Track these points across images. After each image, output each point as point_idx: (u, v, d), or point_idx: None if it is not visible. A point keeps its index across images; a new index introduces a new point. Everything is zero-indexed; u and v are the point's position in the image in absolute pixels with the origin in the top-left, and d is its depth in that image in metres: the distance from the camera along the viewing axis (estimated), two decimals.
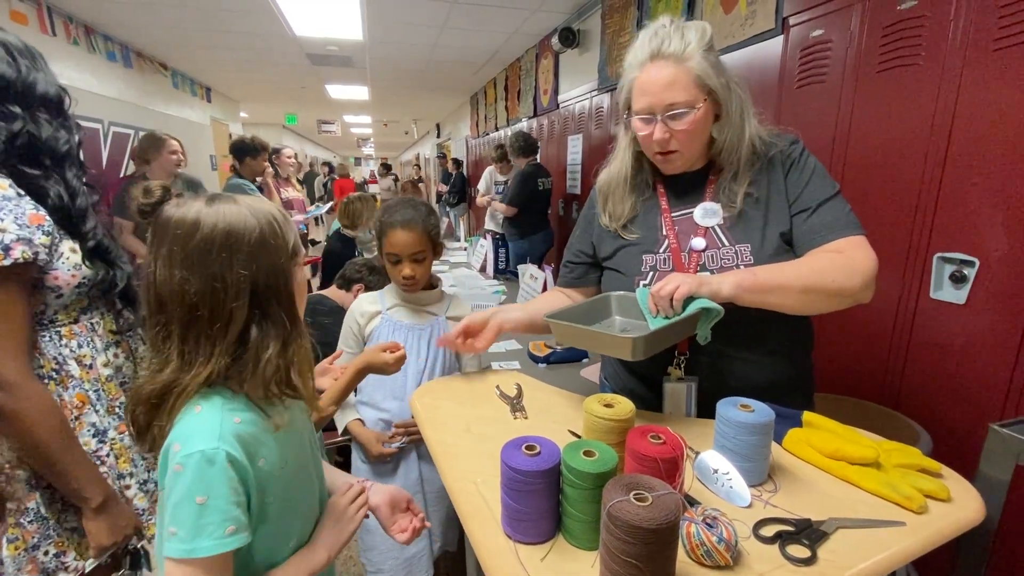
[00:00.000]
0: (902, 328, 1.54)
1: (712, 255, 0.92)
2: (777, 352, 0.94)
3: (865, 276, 0.82)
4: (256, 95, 7.50)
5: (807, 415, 0.83)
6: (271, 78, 6.12)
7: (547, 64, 4.27)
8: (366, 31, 4.11)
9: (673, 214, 0.99)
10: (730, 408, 0.72)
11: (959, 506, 0.67)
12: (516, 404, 0.94)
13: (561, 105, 4.06)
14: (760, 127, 0.97)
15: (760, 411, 0.71)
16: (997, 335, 1.31)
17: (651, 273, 0.96)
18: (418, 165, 9.87)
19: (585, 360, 1.80)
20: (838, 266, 0.82)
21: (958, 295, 1.39)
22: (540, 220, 3.77)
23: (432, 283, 1.33)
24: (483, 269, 3.47)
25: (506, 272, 3.50)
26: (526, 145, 3.70)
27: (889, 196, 1.55)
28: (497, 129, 6.01)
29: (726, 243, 0.92)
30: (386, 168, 10.05)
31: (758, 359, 0.93)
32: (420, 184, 7.51)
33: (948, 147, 1.39)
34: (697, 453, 0.74)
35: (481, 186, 4.30)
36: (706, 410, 0.92)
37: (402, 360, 1.06)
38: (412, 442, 1.25)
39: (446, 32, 4.11)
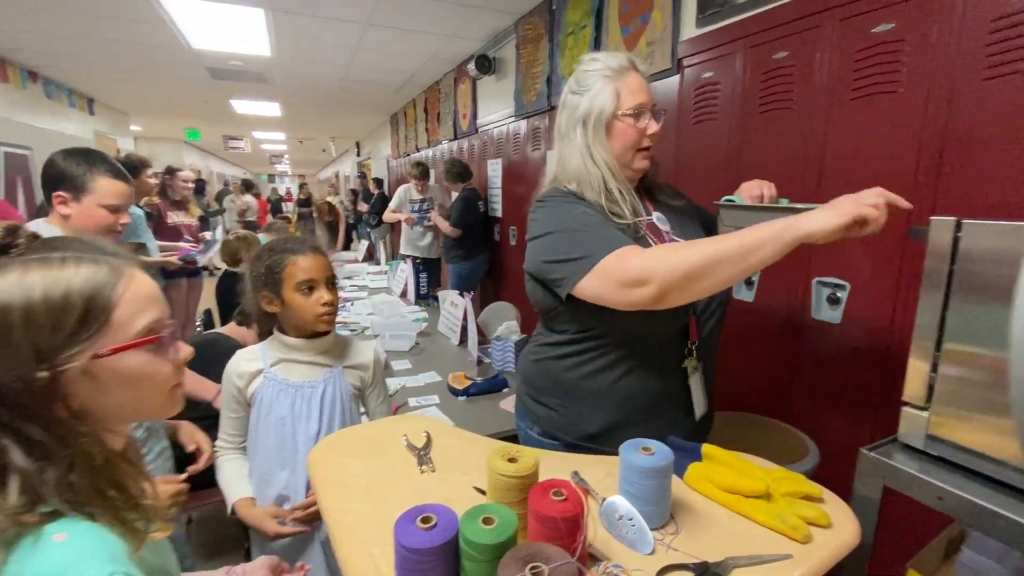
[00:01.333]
0: (789, 347, 1.68)
1: None
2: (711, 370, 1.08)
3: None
4: (150, 108, 6.89)
5: (706, 448, 0.87)
6: (166, 91, 5.66)
7: (465, 89, 4.30)
8: (274, 48, 3.93)
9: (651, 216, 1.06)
10: (632, 452, 0.72)
11: (838, 531, 0.71)
12: (423, 456, 0.89)
13: (480, 129, 4.10)
14: None
15: (660, 453, 0.72)
16: (868, 352, 1.46)
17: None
18: (334, 184, 9.38)
19: (505, 391, 1.79)
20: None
21: (834, 315, 1.53)
22: (481, 242, 3.84)
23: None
24: (404, 295, 3.38)
25: (428, 298, 3.43)
26: (464, 171, 3.79)
27: None
28: (418, 150, 5.95)
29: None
30: (247, 186, 8.61)
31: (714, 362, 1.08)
32: (338, 205, 7.16)
33: (819, 181, 1.55)
34: (604, 499, 0.74)
35: (394, 203, 4.21)
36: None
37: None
38: (310, 519, 1.09)
39: (360, 53, 4.03)
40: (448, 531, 0.56)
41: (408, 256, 3.99)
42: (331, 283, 1.14)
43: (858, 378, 1.49)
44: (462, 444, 0.96)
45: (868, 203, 0.72)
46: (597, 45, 2.52)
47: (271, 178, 22.19)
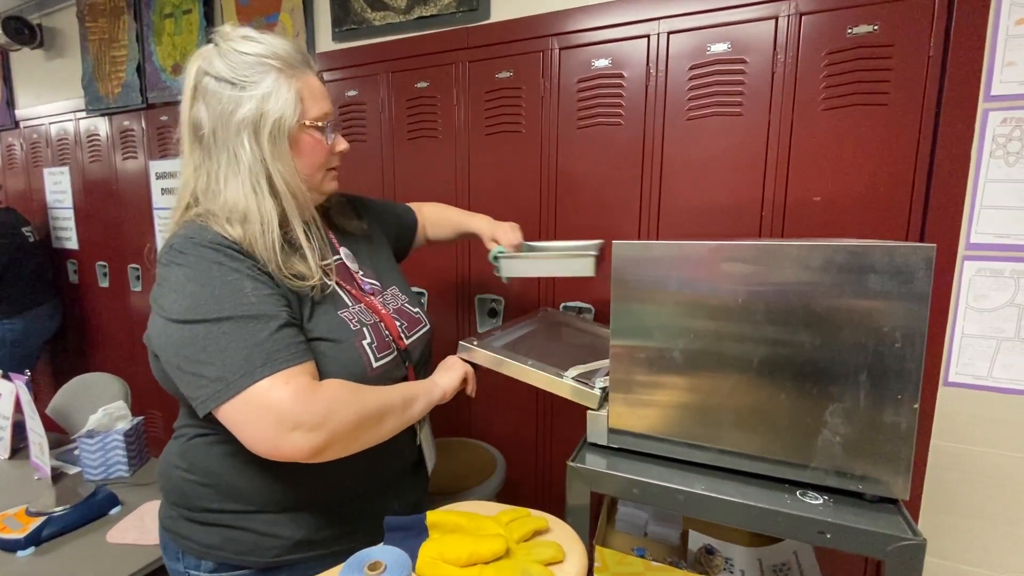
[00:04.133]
0: None
1: (383, 298, 0.89)
2: None
3: None
4: None
5: (430, 517, 0.73)
6: None
7: None
8: None
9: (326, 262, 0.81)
10: (354, 573, 0.51)
11: (572, 559, 0.70)
12: None
13: (22, 123, 2.82)
14: None
15: (392, 566, 0.54)
16: None
17: (364, 328, 0.79)
18: None
19: (114, 511, 1.17)
20: None
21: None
22: (38, 287, 2.52)
23: None
24: None
25: None
26: None
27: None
28: None
29: (379, 286, 0.90)
30: None
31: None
32: None
33: (469, 206, 1.66)
34: None
35: None
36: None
37: None
38: None
39: None
40: None
41: None
42: None
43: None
44: None
45: (465, 368, 0.91)
46: (210, 22, 2.07)
47: None
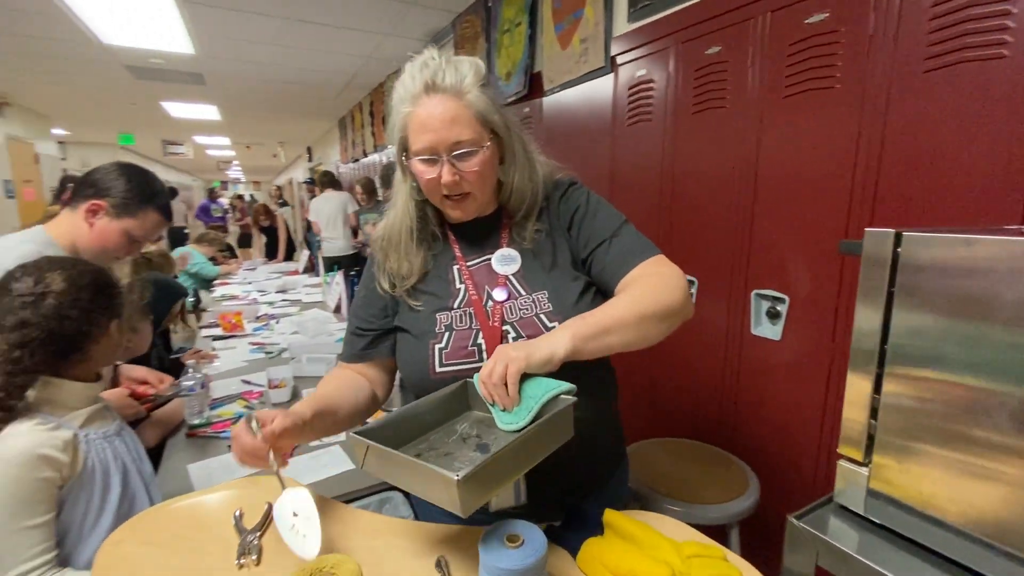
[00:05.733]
0: (731, 365, 1.55)
1: (511, 306, 0.80)
2: (591, 403, 0.81)
3: (682, 288, 0.76)
4: (72, 110, 6.38)
5: (607, 516, 0.70)
6: (86, 91, 5.22)
7: None
8: (197, 45, 3.63)
9: (468, 264, 0.85)
10: (492, 542, 0.54)
11: None
12: (250, 542, 0.69)
13: None
14: (550, 168, 0.89)
15: (529, 544, 0.54)
16: (808, 370, 1.33)
17: (447, 334, 0.79)
18: (279, 188, 8.84)
19: None
20: (657, 287, 0.75)
21: (775, 331, 1.41)
22: None
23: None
24: (337, 309, 3.13)
25: None
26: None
27: (713, 233, 1.57)
28: (366, 155, 5.70)
29: (523, 292, 0.81)
30: (173, 192, 7.22)
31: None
32: (279, 211, 6.68)
33: (756, 189, 1.42)
34: None
35: (329, 217, 3.96)
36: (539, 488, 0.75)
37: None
38: None
39: (291, 51, 3.77)
40: None
41: (338, 261, 3.74)
42: None
43: (795, 399, 1.36)
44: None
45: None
46: (532, 43, 2.37)
47: (223, 185, 21.30)
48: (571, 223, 0.86)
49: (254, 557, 0.67)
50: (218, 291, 3.84)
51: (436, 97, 0.74)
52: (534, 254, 0.84)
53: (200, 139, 9.27)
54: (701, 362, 1.63)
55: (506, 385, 0.62)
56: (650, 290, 0.74)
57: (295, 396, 1.77)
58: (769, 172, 1.38)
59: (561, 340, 0.65)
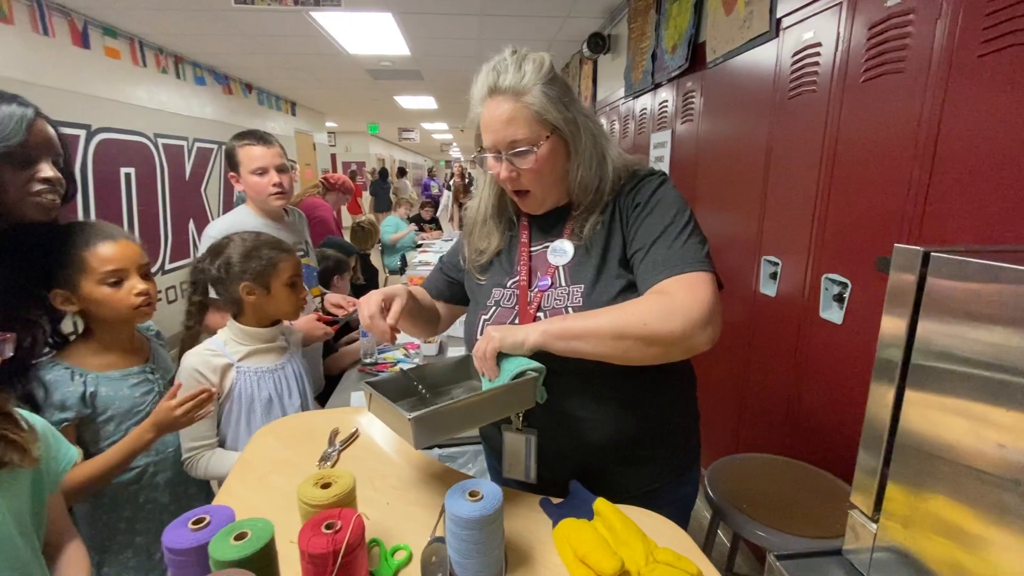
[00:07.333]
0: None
1: (548, 295, 0.86)
2: (627, 406, 0.85)
3: (686, 318, 0.70)
4: (338, 107, 8.09)
5: (597, 504, 0.73)
6: (342, 92, 6.57)
7: (588, 70, 4.13)
8: (411, 46, 4.26)
9: (532, 248, 0.93)
10: (455, 496, 0.65)
11: None
12: (330, 453, 0.92)
13: (599, 111, 3.91)
14: (625, 160, 0.90)
15: (488, 499, 0.64)
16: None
17: (494, 308, 0.91)
18: (463, 165, 9.87)
19: None
20: (653, 310, 0.71)
21: None
22: None
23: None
24: None
25: None
26: None
27: (871, 225, 1.31)
28: None
29: (563, 283, 0.86)
30: (401, 172, 8.57)
31: (597, 415, 0.84)
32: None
33: (931, 171, 1.14)
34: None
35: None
36: (552, 471, 0.85)
37: (201, 405, 1.01)
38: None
39: (485, 43, 4.14)
40: (208, 536, 0.58)
41: None
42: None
43: None
44: (377, 448, 0.97)
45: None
46: (698, 12, 2.19)
47: (448, 164, 24.33)
48: (630, 219, 0.86)
49: (329, 464, 0.90)
50: (418, 257, 4.56)
51: (497, 98, 0.82)
52: (587, 248, 0.87)
53: (426, 125, 10.80)
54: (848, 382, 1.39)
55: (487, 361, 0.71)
56: (644, 312, 0.72)
57: (442, 350, 2.09)
58: (949, 150, 1.09)
59: (533, 332, 0.71)
